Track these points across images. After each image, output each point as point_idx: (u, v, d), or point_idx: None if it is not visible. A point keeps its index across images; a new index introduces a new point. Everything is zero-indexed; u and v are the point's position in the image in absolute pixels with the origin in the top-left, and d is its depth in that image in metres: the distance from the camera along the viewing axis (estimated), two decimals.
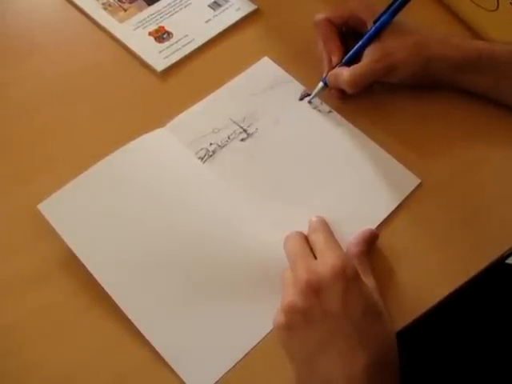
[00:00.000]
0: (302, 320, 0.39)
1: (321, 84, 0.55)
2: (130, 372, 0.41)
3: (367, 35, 0.53)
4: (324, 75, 0.55)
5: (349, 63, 0.53)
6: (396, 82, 0.54)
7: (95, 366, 0.42)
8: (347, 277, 0.39)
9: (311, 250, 0.43)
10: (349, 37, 0.56)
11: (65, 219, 0.46)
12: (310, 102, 0.55)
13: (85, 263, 0.44)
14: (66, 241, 0.45)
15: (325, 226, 0.45)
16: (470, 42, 0.53)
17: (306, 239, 0.44)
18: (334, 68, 0.54)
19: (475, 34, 0.61)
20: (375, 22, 0.53)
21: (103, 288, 0.43)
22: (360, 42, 0.53)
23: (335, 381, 0.38)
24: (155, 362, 0.41)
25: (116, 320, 0.43)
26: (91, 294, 0.44)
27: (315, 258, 0.42)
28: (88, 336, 0.43)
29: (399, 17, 0.52)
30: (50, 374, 0.41)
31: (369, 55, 0.52)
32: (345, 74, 0.52)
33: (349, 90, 0.53)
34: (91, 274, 0.43)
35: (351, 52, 0.54)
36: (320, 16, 0.55)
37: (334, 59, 0.54)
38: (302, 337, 0.39)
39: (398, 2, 0.52)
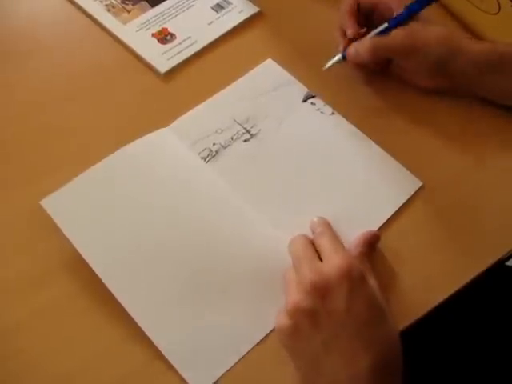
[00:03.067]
0: (307, 321, 0.39)
1: (339, 55, 0.55)
2: (132, 371, 0.41)
3: (397, 17, 0.52)
4: (341, 48, 0.55)
5: None
6: (413, 68, 0.53)
7: (97, 365, 0.42)
8: (353, 278, 0.39)
9: (317, 252, 0.43)
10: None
11: (67, 215, 0.46)
12: (325, 68, 0.55)
13: (87, 259, 0.44)
14: (68, 237, 0.45)
15: (329, 229, 0.45)
16: (492, 43, 0.53)
17: (312, 242, 0.45)
18: (349, 43, 0.54)
19: (477, 37, 0.61)
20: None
21: (105, 288, 0.43)
22: (386, 24, 0.52)
23: (340, 382, 0.38)
24: (156, 361, 0.41)
25: (118, 319, 0.43)
26: (93, 294, 0.44)
27: (320, 260, 0.42)
28: (90, 336, 0.43)
29: None
30: (51, 374, 0.41)
31: (396, 31, 0.51)
32: (368, 41, 0.52)
33: (367, 57, 0.52)
34: (93, 274, 0.43)
35: (378, 29, 0.53)
36: None
37: (349, 32, 0.54)
38: (307, 338, 0.39)
39: None
